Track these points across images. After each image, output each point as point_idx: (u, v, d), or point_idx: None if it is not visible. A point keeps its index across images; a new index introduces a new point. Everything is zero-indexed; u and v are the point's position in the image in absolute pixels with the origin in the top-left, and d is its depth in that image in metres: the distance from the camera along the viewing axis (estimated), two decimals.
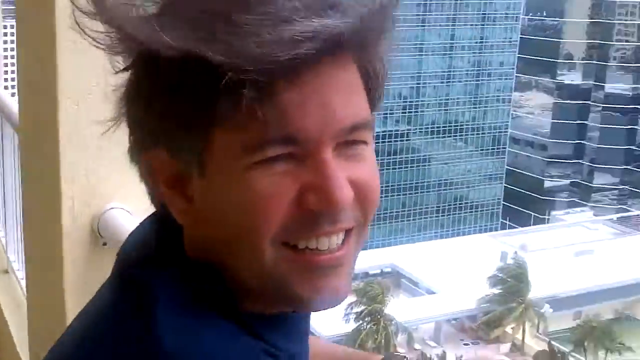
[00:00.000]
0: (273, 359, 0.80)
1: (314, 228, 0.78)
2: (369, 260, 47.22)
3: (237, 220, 0.77)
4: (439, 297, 45.25)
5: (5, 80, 4.56)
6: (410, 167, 62.48)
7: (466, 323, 46.61)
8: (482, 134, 67.85)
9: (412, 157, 62.69)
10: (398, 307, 41.98)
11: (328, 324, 36.96)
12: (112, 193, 1.88)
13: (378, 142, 60.72)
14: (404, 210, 61.76)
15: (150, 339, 0.76)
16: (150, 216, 0.91)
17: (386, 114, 62.06)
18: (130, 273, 0.84)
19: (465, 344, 44.60)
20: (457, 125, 66.62)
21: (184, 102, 0.77)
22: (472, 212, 66.18)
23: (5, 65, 4.95)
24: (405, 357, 1.09)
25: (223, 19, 0.74)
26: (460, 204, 65.69)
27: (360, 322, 40.67)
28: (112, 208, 1.86)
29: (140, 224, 0.93)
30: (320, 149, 0.76)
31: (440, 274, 46.54)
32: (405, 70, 62.18)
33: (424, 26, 64.16)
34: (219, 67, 0.72)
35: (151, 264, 0.83)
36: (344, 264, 0.81)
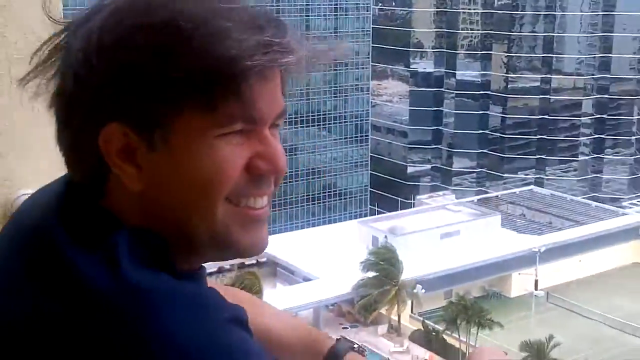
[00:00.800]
0: (233, 306, 0.95)
1: (256, 188, 0.97)
2: None
3: (198, 182, 0.93)
4: (316, 283, 45.62)
5: None
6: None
7: (344, 307, 47.27)
8: (345, 122, 68.93)
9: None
10: (276, 296, 41.99)
11: None
12: (26, 179, 1.84)
13: None
14: (274, 200, 60.53)
15: (121, 278, 0.89)
16: (54, 183, 1.04)
17: None
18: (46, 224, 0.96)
19: (344, 328, 45.14)
20: (320, 115, 67.36)
21: (166, 87, 0.91)
22: (341, 199, 67.12)
23: None
24: (357, 345, 1.26)
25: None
26: (329, 192, 66.46)
27: None
28: (24, 194, 1.78)
29: (41, 189, 1.06)
30: (265, 127, 0.96)
31: (316, 261, 46.94)
32: None
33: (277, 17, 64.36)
34: (208, 65, 0.90)
35: (81, 224, 0.95)
36: (266, 219, 1.01)
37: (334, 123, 68.18)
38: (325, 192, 66.26)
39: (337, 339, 1.33)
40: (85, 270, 0.89)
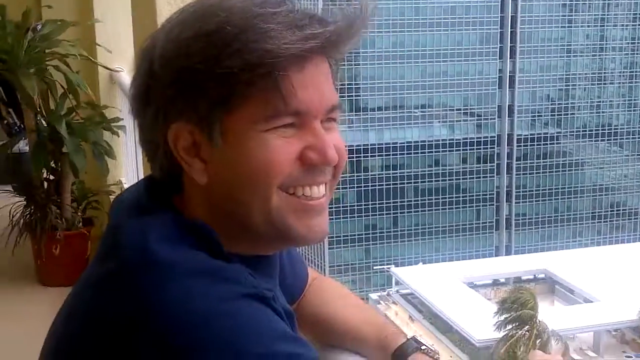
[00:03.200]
0: (254, 280, 1.01)
1: (310, 178, 1.05)
2: (521, 265, 45.44)
3: (253, 173, 1.02)
4: (598, 305, 42.81)
5: None
6: (562, 171, 59.65)
7: (628, 334, 43.96)
8: (639, 138, 64.29)
9: (562, 160, 59.88)
10: (552, 315, 40.02)
11: (477, 329, 35.71)
12: None
13: (526, 145, 58.60)
14: (557, 216, 58.97)
15: (148, 251, 1.00)
16: (141, 180, 1.18)
17: (534, 116, 59.80)
18: (127, 223, 1.09)
19: (627, 356, 42.04)
20: (611, 129, 63.29)
21: (218, 87, 1.02)
22: (630, 219, 62.58)
23: None
24: (427, 346, 1.32)
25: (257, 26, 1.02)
26: (617, 210, 62.23)
27: (511, 327, 39.02)
28: None
29: (132, 186, 1.21)
30: (315, 120, 1.04)
31: (599, 282, 44.07)
32: (553, 72, 59.70)
33: (570, 27, 61.42)
34: (251, 61, 1.00)
35: (144, 213, 1.08)
36: (325, 209, 1.08)
37: (626, 138, 63.72)
38: (613, 211, 62.02)
39: (407, 338, 1.35)
40: (125, 240, 1.03)
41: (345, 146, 1.11)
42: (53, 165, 4.82)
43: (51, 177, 4.89)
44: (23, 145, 5.45)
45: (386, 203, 54.93)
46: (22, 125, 6.78)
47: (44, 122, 4.76)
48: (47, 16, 5.08)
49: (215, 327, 0.92)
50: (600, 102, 61.82)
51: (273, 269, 1.19)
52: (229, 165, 1.03)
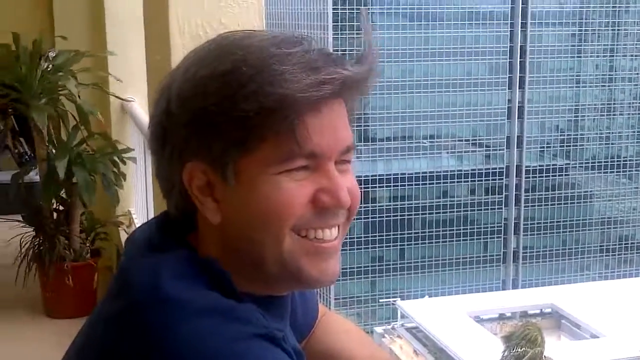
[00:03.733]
0: (265, 321, 1.01)
1: (322, 221, 1.05)
2: (527, 299, 45.12)
3: (265, 215, 1.02)
4: (604, 341, 42.43)
5: None
6: (571, 203, 59.42)
7: None
8: None
9: (571, 192, 59.71)
10: (559, 351, 39.64)
11: None
12: None
13: (535, 177, 58.49)
14: (564, 249, 58.65)
15: (159, 289, 1.00)
16: (152, 219, 1.19)
17: (543, 147, 59.76)
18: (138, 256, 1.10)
19: None
20: (620, 161, 63.18)
21: (234, 129, 1.02)
22: (639, 252, 62.23)
23: None
24: None
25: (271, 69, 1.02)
26: (625, 244, 61.92)
27: None
28: None
29: (144, 224, 1.21)
30: (329, 162, 1.04)
31: (606, 316, 43.69)
32: (562, 103, 59.72)
33: (579, 57, 61.57)
34: (266, 104, 1.00)
35: (157, 251, 1.08)
36: (337, 251, 1.09)
37: (635, 170, 63.57)
38: (621, 244, 61.70)
39: None
40: (137, 278, 1.04)
41: (361, 189, 1.10)
42: (63, 195, 4.80)
43: (61, 208, 4.87)
44: (33, 175, 5.44)
45: (393, 235, 54.77)
46: (32, 155, 6.79)
47: (54, 152, 4.75)
48: (60, 46, 5.09)
49: None
50: (609, 133, 61.80)
51: (285, 309, 1.18)
52: (241, 206, 1.04)
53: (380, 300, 49.45)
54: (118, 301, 1.04)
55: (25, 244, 4.74)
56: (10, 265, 4.67)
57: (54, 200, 4.84)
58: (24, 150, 6.91)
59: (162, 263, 1.04)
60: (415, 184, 55.74)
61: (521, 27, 58.21)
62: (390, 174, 55.33)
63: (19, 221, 4.86)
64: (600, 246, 61.00)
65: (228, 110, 1.01)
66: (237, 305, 1.00)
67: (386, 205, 54.95)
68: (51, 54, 4.95)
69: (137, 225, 2.15)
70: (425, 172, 55.88)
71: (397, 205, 55.10)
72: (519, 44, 58.37)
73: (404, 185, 55.47)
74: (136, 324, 0.98)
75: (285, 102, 0.99)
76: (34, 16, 6.09)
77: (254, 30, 1.11)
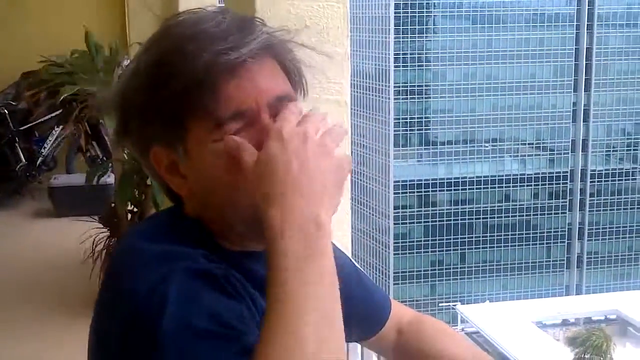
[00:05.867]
0: (214, 264, 1.06)
1: None
2: (591, 305, 44.28)
3: (217, 180, 1.10)
4: None
5: None
6: (637, 208, 58.11)
7: None
8: None
9: (638, 197, 58.35)
10: (625, 357, 38.83)
11: None
12: None
13: (600, 181, 57.36)
14: (630, 254, 57.34)
15: (128, 246, 1.15)
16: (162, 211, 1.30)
17: (608, 151, 58.55)
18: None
19: None
20: None
21: (169, 112, 1.11)
22: None
23: None
24: None
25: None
26: None
27: None
28: None
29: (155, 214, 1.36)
30: (262, 115, 1.09)
31: None
32: (629, 105, 58.39)
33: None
34: (187, 82, 1.09)
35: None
36: None
37: None
38: None
39: None
40: (127, 236, 1.20)
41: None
42: (137, 196, 4.92)
43: (135, 209, 5.00)
44: (106, 177, 5.60)
45: (453, 239, 54.36)
46: (104, 158, 6.99)
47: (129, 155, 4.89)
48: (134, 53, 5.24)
49: (150, 270, 1.03)
50: None
51: (262, 265, 1.17)
52: (199, 178, 1.12)
53: (440, 304, 49.16)
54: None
55: (97, 244, 4.87)
56: (79, 264, 4.79)
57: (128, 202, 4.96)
58: (96, 154, 7.13)
59: (142, 227, 1.26)
60: (477, 188, 55.22)
61: (587, 29, 57.19)
62: (451, 178, 54.92)
63: (94, 221, 5.00)
64: None
65: (160, 96, 1.10)
66: (183, 249, 1.07)
67: (447, 209, 54.55)
68: (124, 63, 5.10)
69: None
70: (487, 176, 55.31)
71: (458, 209, 54.66)
72: (585, 46, 57.36)
73: (465, 189, 55.00)
74: (109, 276, 1.13)
75: (200, 75, 1.07)
76: (108, 23, 6.25)
77: (189, 11, 1.18)
